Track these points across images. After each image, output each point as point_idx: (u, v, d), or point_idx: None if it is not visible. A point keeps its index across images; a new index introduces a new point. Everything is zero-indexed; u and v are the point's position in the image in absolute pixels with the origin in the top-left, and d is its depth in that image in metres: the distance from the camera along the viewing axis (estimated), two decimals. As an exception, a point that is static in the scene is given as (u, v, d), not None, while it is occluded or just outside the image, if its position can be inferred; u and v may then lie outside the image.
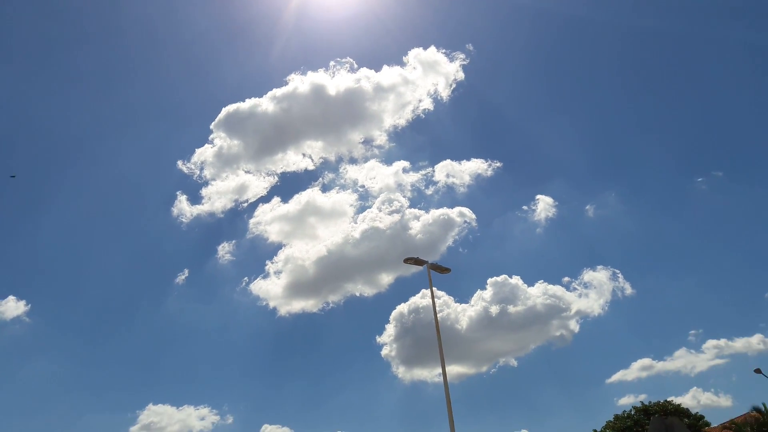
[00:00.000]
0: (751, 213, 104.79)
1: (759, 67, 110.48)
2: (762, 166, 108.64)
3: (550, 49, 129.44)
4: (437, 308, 18.65)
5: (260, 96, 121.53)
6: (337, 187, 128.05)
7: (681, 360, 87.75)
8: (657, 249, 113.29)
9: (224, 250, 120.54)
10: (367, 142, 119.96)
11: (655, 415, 42.13)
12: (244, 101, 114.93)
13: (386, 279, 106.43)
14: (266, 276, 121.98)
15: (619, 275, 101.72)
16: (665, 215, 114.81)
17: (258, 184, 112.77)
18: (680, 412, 42.14)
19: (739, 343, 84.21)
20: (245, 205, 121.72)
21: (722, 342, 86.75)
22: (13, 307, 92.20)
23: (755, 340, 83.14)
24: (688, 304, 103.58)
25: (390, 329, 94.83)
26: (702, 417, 42.46)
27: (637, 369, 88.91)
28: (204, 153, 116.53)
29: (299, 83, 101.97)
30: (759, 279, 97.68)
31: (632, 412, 43.60)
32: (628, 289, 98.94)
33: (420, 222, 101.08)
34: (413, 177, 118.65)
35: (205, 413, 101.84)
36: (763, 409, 39.72)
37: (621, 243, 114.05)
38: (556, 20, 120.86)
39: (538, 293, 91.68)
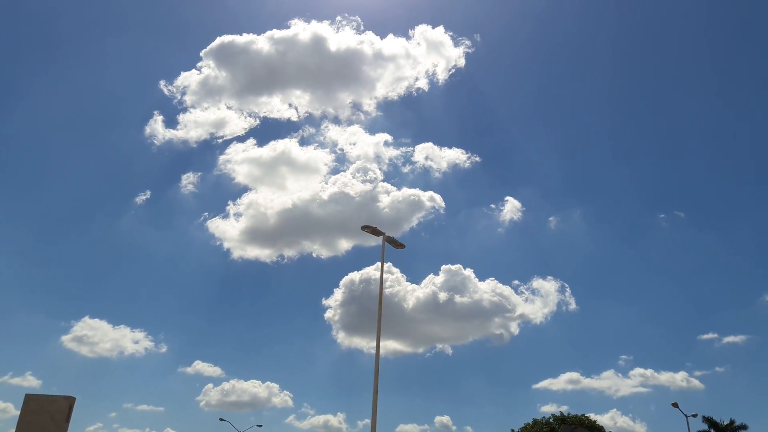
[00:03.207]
0: (703, 257, 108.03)
1: (735, 123, 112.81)
2: (721, 215, 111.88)
3: (553, 57, 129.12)
4: (388, 283, 18.84)
5: (258, 33, 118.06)
6: (316, 144, 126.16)
7: (607, 381, 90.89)
8: (608, 273, 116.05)
9: (188, 180, 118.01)
10: (355, 106, 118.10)
11: (571, 425, 43.47)
12: (240, 35, 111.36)
13: (345, 245, 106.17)
14: (226, 216, 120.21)
15: (567, 289, 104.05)
16: (623, 243, 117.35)
17: (237, 123, 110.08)
18: (595, 428, 43.64)
19: (665, 377, 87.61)
20: (220, 141, 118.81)
21: (649, 372, 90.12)
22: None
23: (680, 377, 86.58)
24: (625, 330, 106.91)
25: (338, 294, 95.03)
26: (614, 437, 44.17)
27: (564, 380, 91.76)
28: (189, 78, 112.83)
29: (301, 30, 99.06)
30: (695, 320, 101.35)
31: (551, 420, 44.95)
32: (573, 305, 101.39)
33: (390, 197, 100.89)
34: (393, 152, 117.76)
35: (140, 337, 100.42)
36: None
37: (575, 260, 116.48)
38: (562, 29, 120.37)
39: (487, 289, 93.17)
